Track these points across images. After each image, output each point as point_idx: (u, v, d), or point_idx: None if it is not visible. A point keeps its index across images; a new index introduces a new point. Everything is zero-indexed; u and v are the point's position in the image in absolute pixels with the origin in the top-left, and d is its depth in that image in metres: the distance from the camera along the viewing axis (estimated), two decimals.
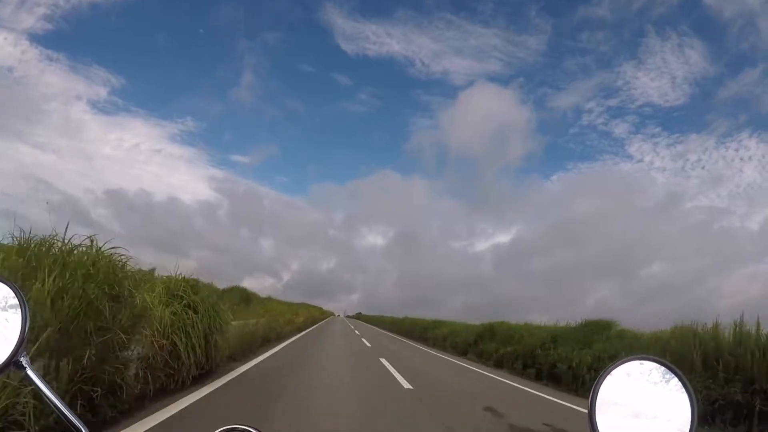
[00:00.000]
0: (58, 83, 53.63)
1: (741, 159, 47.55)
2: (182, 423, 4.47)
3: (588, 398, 0.81)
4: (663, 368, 0.80)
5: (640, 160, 54.37)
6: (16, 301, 0.90)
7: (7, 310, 0.90)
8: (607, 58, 56.46)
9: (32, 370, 0.85)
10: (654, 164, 54.07)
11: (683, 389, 0.78)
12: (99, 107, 58.11)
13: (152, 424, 4.26)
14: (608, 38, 53.75)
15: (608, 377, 0.82)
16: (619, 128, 54.86)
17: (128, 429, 4.07)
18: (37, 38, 52.90)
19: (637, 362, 0.82)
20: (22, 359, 0.85)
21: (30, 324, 0.87)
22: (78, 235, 4.51)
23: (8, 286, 0.91)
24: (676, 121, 54.99)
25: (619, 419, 0.80)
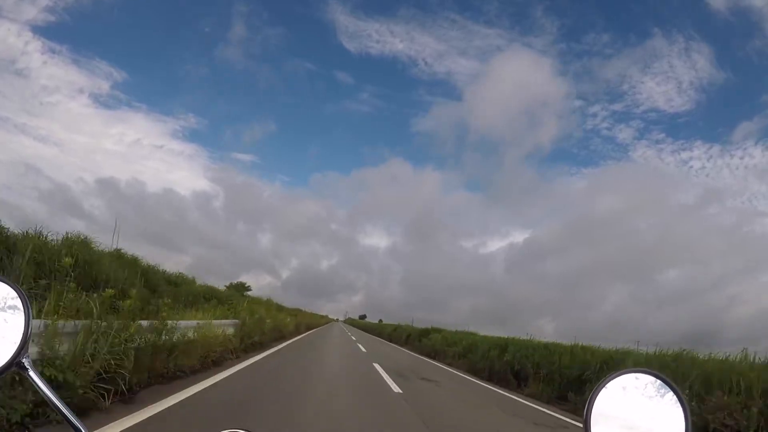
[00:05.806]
0: (61, 76, 53.77)
1: (746, 167, 46.97)
2: None
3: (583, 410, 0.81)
4: (659, 382, 0.80)
5: (644, 166, 53.87)
6: (18, 302, 0.91)
7: (9, 311, 0.91)
8: (613, 61, 55.94)
9: (34, 371, 0.86)
10: (658, 170, 53.54)
11: (678, 403, 0.78)
12: (101, 101, 57.89)
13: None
14: (614, 40, 53.23)
15: (603, 390, 0.82)
16: (624, 133, 54.35)
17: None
18: (39, 30, 51.71)
19: (632, 375, 0.82)
20: (24, 360, 0.86)
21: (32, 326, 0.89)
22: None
23: (13, 288, 0.92)
24: (681, 127, 54.48)
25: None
